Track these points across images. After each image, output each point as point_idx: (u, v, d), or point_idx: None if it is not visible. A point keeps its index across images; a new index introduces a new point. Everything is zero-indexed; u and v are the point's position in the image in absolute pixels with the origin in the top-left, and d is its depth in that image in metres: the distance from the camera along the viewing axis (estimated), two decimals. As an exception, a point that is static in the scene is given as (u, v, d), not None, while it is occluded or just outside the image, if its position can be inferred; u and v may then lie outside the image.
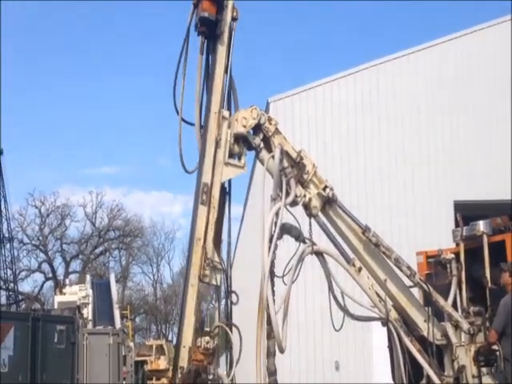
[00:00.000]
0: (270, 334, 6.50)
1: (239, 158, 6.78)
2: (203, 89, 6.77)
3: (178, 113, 6.66)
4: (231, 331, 6.44)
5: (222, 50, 6.67)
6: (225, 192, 6.75)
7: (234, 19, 6.76)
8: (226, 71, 6.73)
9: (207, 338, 6.25)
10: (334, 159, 23.74)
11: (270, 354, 6.56)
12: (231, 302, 6.54)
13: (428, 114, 24.29)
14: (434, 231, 21.47)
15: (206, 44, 6.72)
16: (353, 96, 24.55)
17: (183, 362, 6.12)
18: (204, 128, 6.63)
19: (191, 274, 6.31)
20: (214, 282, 6.43)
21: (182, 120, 6.70)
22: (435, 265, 8.59)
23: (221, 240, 6.65)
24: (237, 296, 6.52)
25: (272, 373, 6.56)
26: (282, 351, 6.42)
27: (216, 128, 6.57)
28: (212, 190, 6.49)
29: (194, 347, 6.14)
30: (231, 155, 6.71)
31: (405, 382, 7.40)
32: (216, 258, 6.46)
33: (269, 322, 6.47)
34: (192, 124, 6.78)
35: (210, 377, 6.14)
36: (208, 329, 6.46)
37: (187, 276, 6.37)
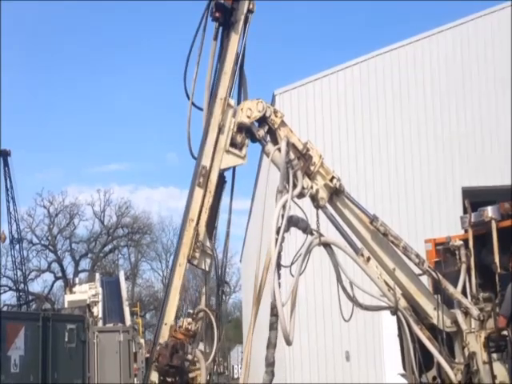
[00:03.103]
0: (273, 325, 6.48)
1: (240, 149, 6.75)
2: (215, 75, 6.77)
3: (188, 97, 6.67)
4: (216, 318, 6.44)
5: (234, 39, 6.68)
6: (223, 180, 6.75)
7: (250, 11, 6.78)
8: (237, 62, 6.73)
9: (189, 320, 6.28)
10: (341, 150, 23.68)
11: (271, 345, 6.53)
12: (222, 292, 6.59)
13: (436, 101, 24.18)
14: (443, 218, 21.42)
15: (220, 31, 6.73)
16: (359, 86, 24.46)
17: (163, 339, 6.16)
18: (208, 112, 6.64)
19: (180, 253, 6.35)
20: (202, 266, 6.47)
21: (193, 105, 6.70)
22: (444, 252, 8.53)
23: (214, 227, 6.66)
24: (229, 287, 6.56)
25: (270, 364, 6.53)
26: (289, 344, 6.39)
27: (220, 114, 6.59)
28: (210, 174, 6.51)
29: (175, 326, 6.19)
30: (233, 144, 6.70)
31: (415, 370, 7.36)
32: (207, 243, 6.49)
33: (273, 314, 6.45)
34: (201, 109, 6.79)
35: (189, 357, 6.14)
36: (192, 311, 6.45)
37: (176, 255, 6.41)
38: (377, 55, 24.73)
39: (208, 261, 6.48)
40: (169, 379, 6.09)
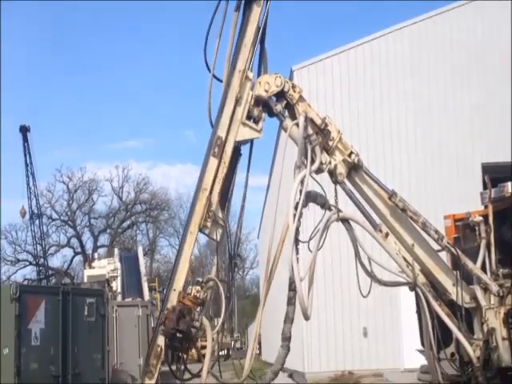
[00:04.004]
0: (291, 300, 6.52)
1: (257, 122, 6.74)
2: (236, 47, 6.74)
3: (208, 69, 6.66)
4: (226, 289, 6.47)
5: (256, 11, 6.66)
6: (238, 153, 6.75)
7: None
8: (257, 37, 6.69)
9: (198, 288, 6.33)
10: (359, 126, 23.55)
11: (288, 320, 6.57)
12: (235, 264, 6.59)
13: (455, 76, 23.95)
14: (462, 194, 21.28)
15: (242, 3, 6.70)
16: (377, 61, 24.26)
17: (171, 304, 6.22)
18: (226, 84, 6.63)
19: (192, 221, 6.37)
20: (213, 236, 6.50)
21: (214, 77, 6.69)
22: (463, 228, 8.48)
23: (227, 199, 6.68)
24: (242, 259, 6.56)
25: (286, 338, 6.57)
26: (306, 318, 6.41)
27: (238, 86, 6.58)
28: (225, 145, 6.52)
29: (184, 293, 6.23)
30: (250, 117, 6.69)
31: (433, 346, 7.35)
32: (219, 214, 6.50)
33: (291, 289, 6.47)
34: (222, 81, 6.77)
35: (196, 324, 6.18)
36: (201, 279, 6.49)
37: (188, 223, 6.43)
38: (395, 30, 24.49)
39: (220, 231, 6.50)
40: (175, 344, 6.14)
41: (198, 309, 6.27)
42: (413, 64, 24.16)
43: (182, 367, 6.32)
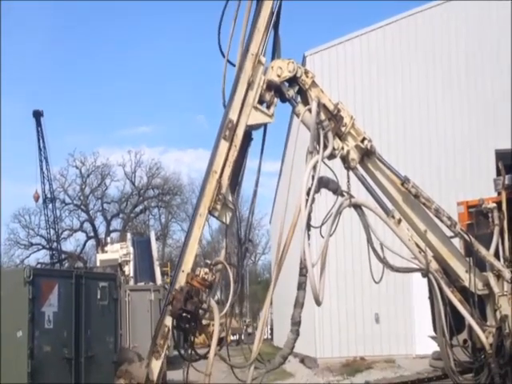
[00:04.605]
0: (302, 285, 6.51)
1: (269, 107, 6.72)
2: (249, 32, 6.71)
3: (222, 54, 6.64)
4: (235, 273, 6.47)
5: None
6: (250, 138, 6.74)
7: None
8: (270, 21, 6.66)
9: (206, 270, 6.32)
10: (372, 111, 23.46)
11: (298, 305, 6.57)
12: (246, 249, 6.57)
13: (469, 61, 23.78)
14: (475, 180, 21.19)
15: None
16: (390, 47, 24.11)
17: (179, 284, 6.22)
18: (239, 67, 6.61)
19: (202, 204, 6.37)
20: (223, 219, 6.49)
21: (228, 62, 6.67)
22: (476, 214, 8.44)
23: (237, 183, 6.67)
24: (252, 244, 6.54)
25: (295, 323, 6.58)
26: (318, 304, 6.42)
27: (251, 69, 6.56)
28: (237, 128, 6.50)
29: (192, 274, 6.23)
30: (261, 102, 6.67)
31: (446, 332, 7.34)
32: (229, 197, 6.49)
33: (302, 274, 6.47)
34: (235, 65, 6.74)
35: (204, 306, 6.20)
36: (209, 261, 6.49)
37: (197, 206, 6.43)
38: (408, 15, 24.32)
39: (229, 214, 6.50)
40: (182, 325, 6.16)
41: (207, 291, 6.27)
42: (426, 49, 23.99)
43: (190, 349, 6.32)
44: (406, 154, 23.20)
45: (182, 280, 6.24)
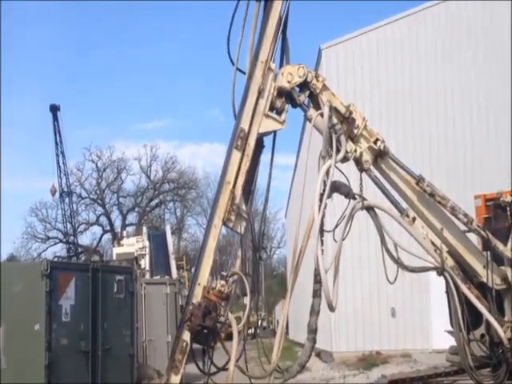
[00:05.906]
0: (317, 292, 6.48)
1: (280, 114, 6.63)
2: (258, 39, 6.62)
3: (231, 62, 6.58)
4: (250, 283, 6.41)
5: (278, 2, 6.54)
6: (261, 145, 6.66)
7: None
8: (279, 27, 6.59)
9: (222, 282, 6.25)
10: (388, 105, 23.35)
11: (314, 313, 6.54)
12: (260, 257, 6.52)
13: (487, 55, 23.60)
14: (493, 174, 21.05)
15: None
16: (407, 40, 23.97)
17: (196, 299, 6.16)
18: (249, 76, 6.54)
19: (216, 215, 6.31)
20: (237, 229, 6.43)
21: (238, 70, 6.61)
22: (494, 208, 8.40)
23: (250, 192, 6.61)
24: (266, 252, 6.49)
25: (312, 331, 6.55)
26: (332, 310, 6.35)
27: (261, 77, 6.48)
28: (248, 137, 6.41)
29: (209, 287, 6.18)
30: (272, 109, 6.58)
31: (463, 327, 7.30)
32: (243, 207, 6.43)
33: (316, 281, 6.44)
34: (245, 73, 6.68)
35: (221, 319, 6.15)
36: (225, 273, 6.43)
37: (211, 217, 6.37)
38: (426, 8, 24.15)
39: (243, 224, 6.43)
40: (200, 339, 6.11)
41: (223, 303, 6.21)
42: (444, 43, 23.84)
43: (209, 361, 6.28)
44: (423, 149, 23.11)
45: (198, 294, 6.17)
